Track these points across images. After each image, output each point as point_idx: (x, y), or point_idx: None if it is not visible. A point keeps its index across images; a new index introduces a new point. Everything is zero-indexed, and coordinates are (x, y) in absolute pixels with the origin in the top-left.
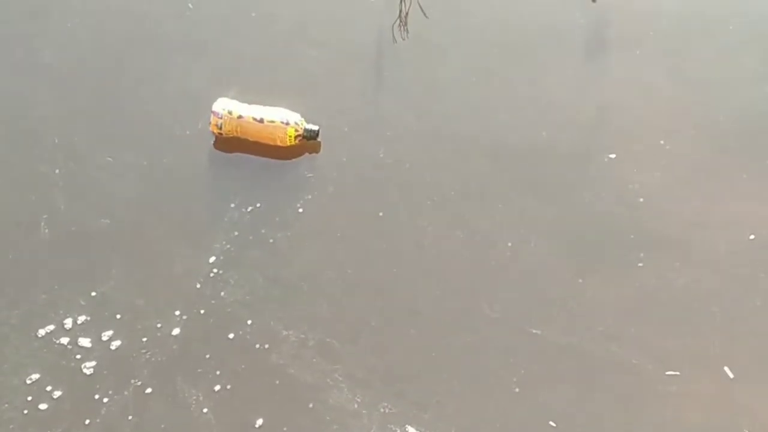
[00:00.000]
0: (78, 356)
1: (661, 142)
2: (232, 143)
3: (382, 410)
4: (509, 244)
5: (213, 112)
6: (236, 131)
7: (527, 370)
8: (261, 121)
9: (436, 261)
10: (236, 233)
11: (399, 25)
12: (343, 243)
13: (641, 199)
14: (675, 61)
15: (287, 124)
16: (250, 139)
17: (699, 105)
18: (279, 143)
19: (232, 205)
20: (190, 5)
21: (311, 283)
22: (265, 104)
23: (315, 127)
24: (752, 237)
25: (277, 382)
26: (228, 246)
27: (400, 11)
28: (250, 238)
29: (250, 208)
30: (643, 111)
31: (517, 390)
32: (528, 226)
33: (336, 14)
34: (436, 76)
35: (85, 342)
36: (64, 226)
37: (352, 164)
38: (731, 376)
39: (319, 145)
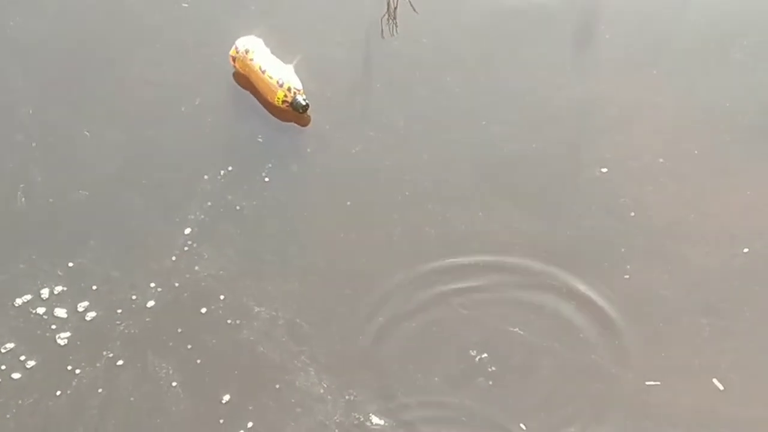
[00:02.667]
0: (53, 326)
1: (660, 160)
2: (242, 80)
3: (347, 397)
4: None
5: (235, 46)
6: (244, 70)
7: (501, 367)
8: (263, 72)
9: (405, 253)
10: (209, 204)
11: (388, 19)
12: (307, 224)
13: (632, 213)
14: (686, 81)
15: (281, 86)
16: (252, 83)
17: (706, 126)
18: (269, 99)
19: (206, 177)
20: (185, 4)
21: (281, 259)
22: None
23: (303, 102)
24: (746, 250)
25: (247, 359)
26: (202, 216)
27: (389, 5)
28: (221, 210)
29: (222, 172)
30: (644, 129)
31: (490, 383)
32: (511, 235)
33: (329, 7)
34: (430, 78)
35: (60, 312)
36: (42, 197)
37: (323, 150)
38: (721, 387)
39: (309, 119)
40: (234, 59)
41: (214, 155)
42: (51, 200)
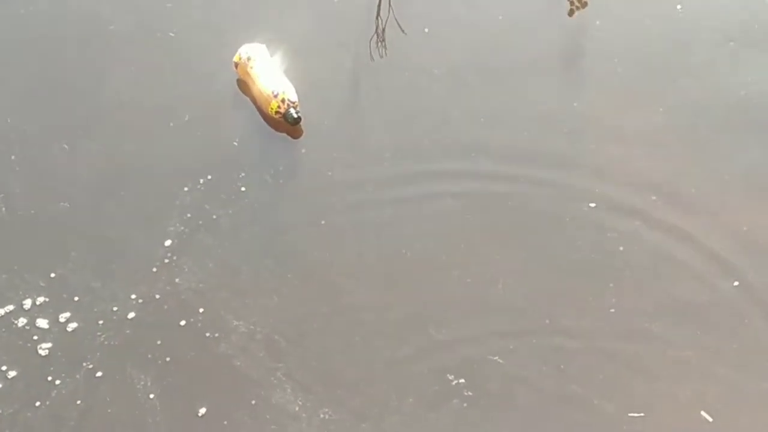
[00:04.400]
0: (35, 337)
1: (653, 197)
2: (243, 87)
3: (321, 416)
4: (468, 280)
5: (239, 52)
6: (245, 77)
7: (477, 393)
8: (261, 81)
9: (379, 274)
10: (189, 215)
11: (376, 41)
12: (282, 236)
13: (621, 248)
14: (687, 119)
15: (275, 96)
16: (251, 90)
17: (706, 164)
18: (263, 108)
19: (186, 189)
20: (171, 33)
21: (257, 273)
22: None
23: (294, 115)
24: (736, 284)
25: (224, 372)
26: (182, 228)
27: (377, 27)
28: (200, 222)
29: (201, 180)
30: (641, 165)
31: (465, 405)
32: (494, 269)
33: (318, 31)
34: (419, 110)
35: (42, 323)
36: (23, 208)
37: (298, 169)
38: (710, 419)
39: (301, 132)
40: (236, 65)
41: (195, 166)
42: (32, 211)
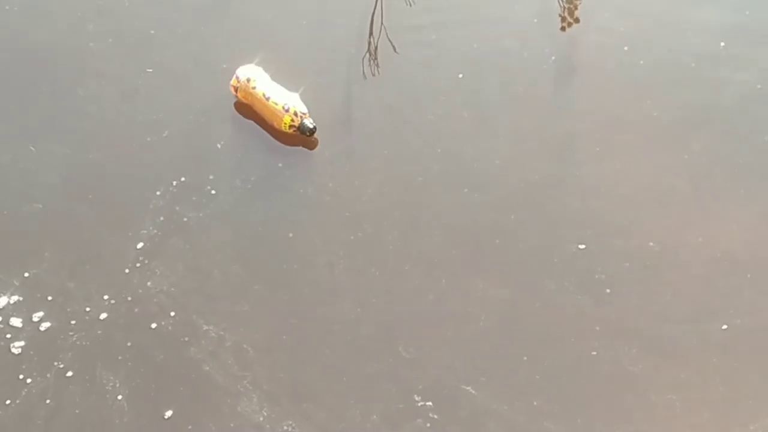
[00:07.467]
0: (8, 336)
1: (650, 243)
2: (244, 110)
3: (285, 428)
4: (443, 307)
5: (236, 75)
6: (247, 99)
7: (444, 418)
8: (268, 99)
9: (349, 289)
10: (161, 218)
11: (369, 59)
12: (251, 243)
13: (608, 290)
14: (689, 159)
15: (287, 111)
16: (256, 111)
17: (707, 209)
18: (275, 125)
19: (158, 193)
20: (149, 69)
21: (226, 279)
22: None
23: (310, 125)
24: (725, 327)
25: (192, 377)
26: (155, 231)
27: (369, 45)
28: (172, 226)
29: (175, 182)
30: (635, 211)
31: (428, 425)
32: (476, 302)
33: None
34: (409, 140)
35: (16, 322)
36: None
37: (275, 183)
38: None
39: (316, 143)
40: (236, 89)
41: (168, 171)
42: (5, 212)
